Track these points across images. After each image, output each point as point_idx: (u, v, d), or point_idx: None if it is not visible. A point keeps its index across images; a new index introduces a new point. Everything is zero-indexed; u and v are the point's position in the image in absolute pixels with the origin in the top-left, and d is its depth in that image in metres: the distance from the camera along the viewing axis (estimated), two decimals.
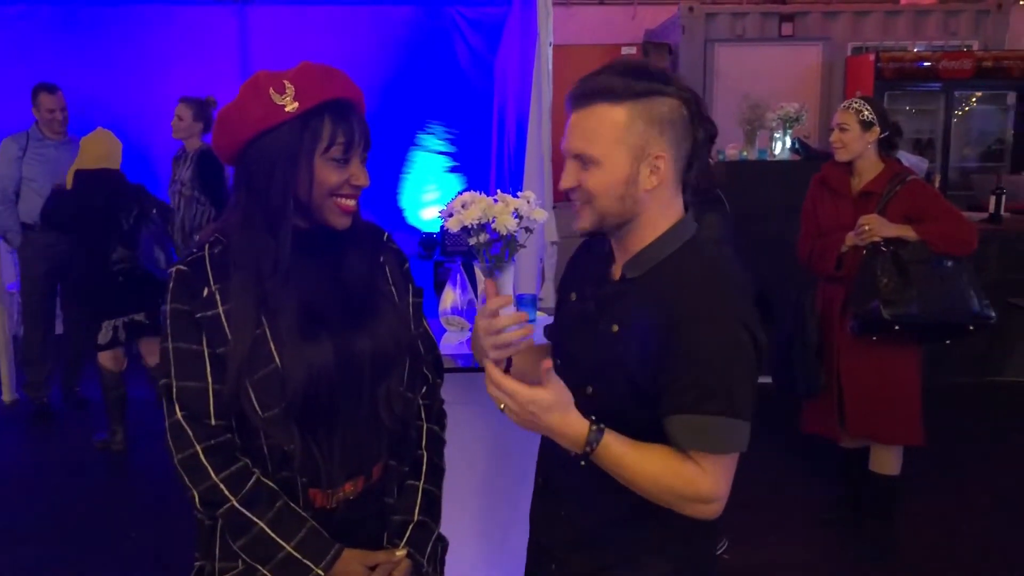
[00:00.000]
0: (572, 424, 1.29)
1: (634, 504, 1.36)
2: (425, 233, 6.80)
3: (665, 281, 1.34)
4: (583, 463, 1.30)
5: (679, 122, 1.34)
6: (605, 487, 1.36)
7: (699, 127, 1.36)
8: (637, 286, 1.37)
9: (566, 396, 1.29)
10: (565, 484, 1.47)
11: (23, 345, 4.99)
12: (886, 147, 3.22)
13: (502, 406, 1.30)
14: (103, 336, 4.21)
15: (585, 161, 1.34)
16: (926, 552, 3.39)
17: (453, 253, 6.60)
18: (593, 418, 1.30)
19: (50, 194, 4.42)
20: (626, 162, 1.32)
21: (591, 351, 1.39)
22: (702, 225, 1.44)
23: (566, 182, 1.38)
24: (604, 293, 1.42)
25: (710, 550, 1.51)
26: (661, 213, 1.38)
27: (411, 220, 6.86)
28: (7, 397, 5.12)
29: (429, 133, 6.72)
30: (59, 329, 5.08)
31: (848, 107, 3.22)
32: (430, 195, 6.89)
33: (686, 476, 1.29)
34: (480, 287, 2.30)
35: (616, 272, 1.43)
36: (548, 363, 1.28)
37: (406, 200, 6.87)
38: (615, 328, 1.36)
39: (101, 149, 4.18)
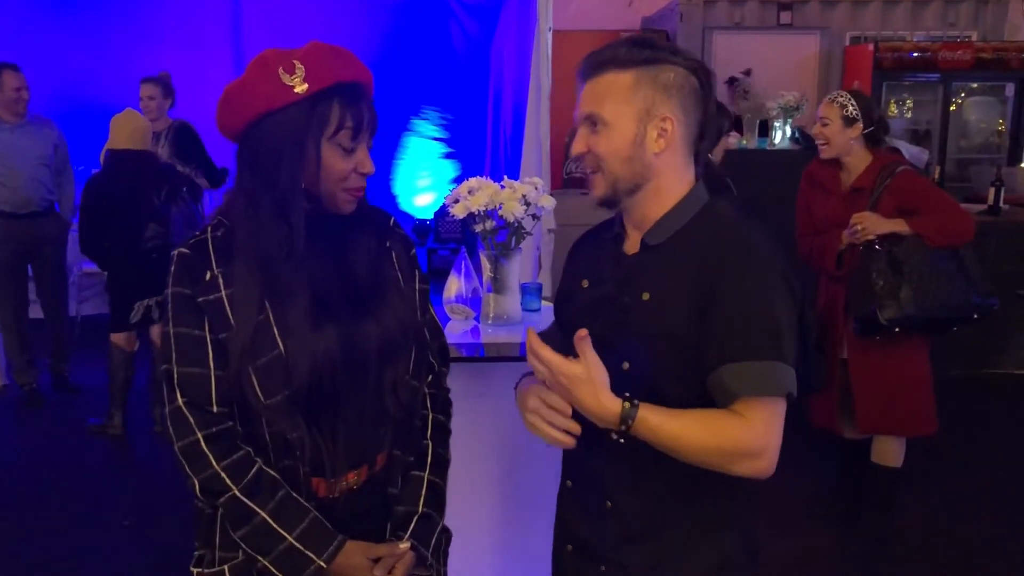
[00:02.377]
0: (605, 402, 1.28)
1: (686, 481, 1.35)
2: (418, 220, 6.77)
3: (692, 242, 1.36)
4: (622, 440, 1.29)
5: (688, 89, 1.37)
6: (654, 466, 1.35)
7: (711, 98, 1.40)
8: (662, 252, 1.38)
9: (600, 373, 1.28)
10: (608, 473, 1.43)
11: (2, 331, 4.93)
12: (872, 141, 3.17)
13: (540, 378, 1.32)
14: (135, 315, 4.18)
15: (594, 123, 1.38)
16: (925, 544, 3.38)
17: (447, 240, 6.58)
18: (627, 395, 1.28)
19: (86, 183, 4.33)
20: (632, 123, 1.36)
21: (623, 326, 1.37)
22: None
23: (577, 147, 1.41)
24: (623, 268, 1.42)
25: (758, 524, 1.47)
26: (674, 179, 1.40)
27: (404, 206, 6.82)
28: None
29: (423, 118, 6.68)
30: (35, 314, 5.00)
31: (833, 100, 3.17)
32: (423, 181, 6.85)
33: (730, 432, 1.27)
34: (486, 275, 2.27)
35: (631, 247, 1.44)
36: (583, 332, 1.28)
37: (399, 186, 6.83)
38: (646, 296, 1.36)
39: (130, 130, 4.13)
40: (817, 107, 3.28)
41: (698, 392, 1.31)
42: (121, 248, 4.16)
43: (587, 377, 1.27)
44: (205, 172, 4.81)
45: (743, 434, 1.27)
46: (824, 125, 3.15)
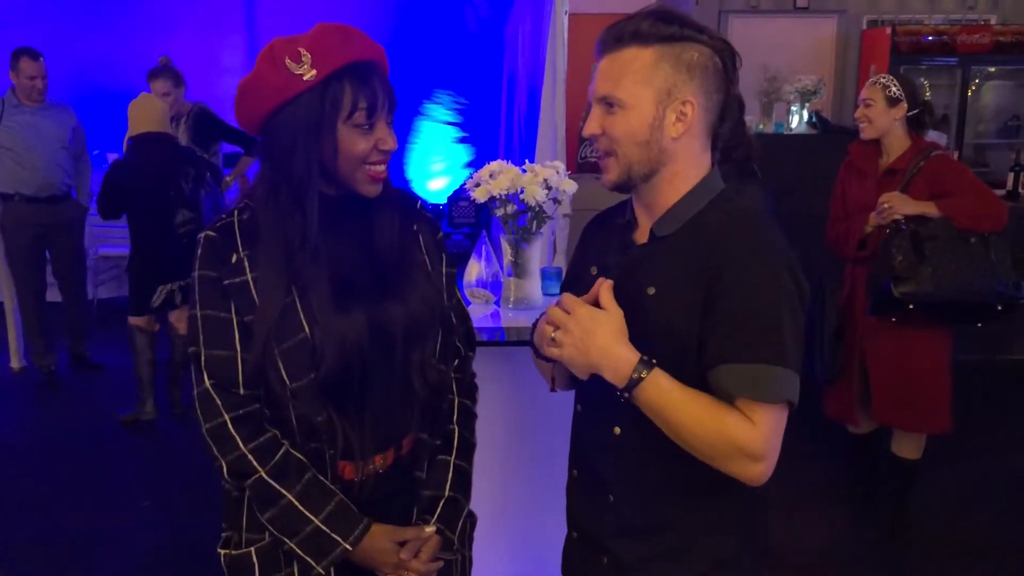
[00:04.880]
0: (623, 351, 1.25)
1: (688, 479, 1.31)
2: (432, 204, 6.76)
3: (700, 235, 1.30)
4: (625, 396, 1.24)
5: (711, 70, 1.30)
6: (655, 463, 1.33)
7: (734, 80, 1.33)
8: (669, 244, 1.33)
9: (623, 322, 1.27)
10: (609, 466, 1.40)
11: (20, 314, 4.96)
12: (915, 125, 3.13)
13: (552, 333, 1.29)
14: (157, 298, 4.15)
15: (610, 104, 1.31)
16: (940, 532, 3.38)
17: (460, 225, 6.57)
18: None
19: (111, 166, 4.29)
20: (651, 105, 1.29)
21: (627, 318, 1.31)
22: (743, 195, 1.38)
23: (590, 128, 1.34)
24: (630, 258, 1.37)
25: (767, 525, 1.43)
26: (690, 165, 1.34)
27: (418, 191, 6.82)
28: (15, 364, 5.10)
29: (436, 103, 6.66)
30: (52, 297, 5.02)
31: (875, 82, 3.14)
32: (437, 166, 6.84)
33: (733, 426, 1.21)
34: (506, 259, 2.27)
35: (641, 236, 1.38)
36: (608, 283, 1.27)
37: (413, 171, 6.83)
38: (651, 290, 1.30)
39: (145, 113, 4.10)
40: (858, 92, 3.25)
41: (700, 390, 1.26)
42: (148, 232, 4.14)
43: (614, 322, 1.27)
44: (243, 145, 4.83)
45: (745, 433, 1.21)
46: (867, 106, 3.13)
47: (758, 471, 1.23)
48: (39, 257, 4.84)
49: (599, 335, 1.25)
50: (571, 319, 1.27)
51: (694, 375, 1.26)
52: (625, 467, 1.37)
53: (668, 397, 1.23)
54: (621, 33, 1.30)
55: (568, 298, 1.30)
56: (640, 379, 1.23)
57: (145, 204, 4.09)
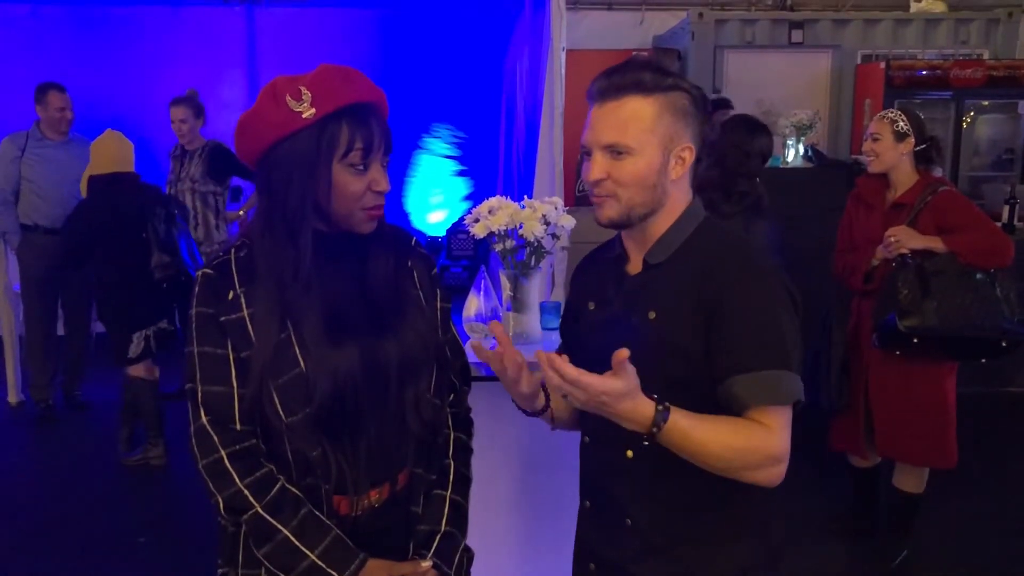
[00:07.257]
0: (639, 408, 1.27)
1: (706, 491, 1.37)
2: (430, 237, 6.79)
3: (694, 258, 1.39)
4: (646, 442, 1.28)
5: (694, 114, 1.41)
6: (672, 479, 1.38)
7: (705, 122, 1.45)
8: (664, 270, 1.41)
9: (636, 382, 1.27)
10: (625, 490, 1.44)
11: (25, 346, 4.96)
12: (923, 160, 3.15)
13: (563, 395, 1.28)
14: (135, 349, 4.02)
15: (618, 151, 1.37)
16: (941, 565, 3.35)
17: (459, 257, 6.60)
18: (655, 397, 1.28)
19: (76, 208, 4.23)
20: (658, 152, 1.37)
21: (633, 345, 1.34)
22: (752, 233, 1.46)
23: (595, 173, 1.40)
24: (628, 288, 1.44)
25: (781, 533, 1.50)
26: (680, 200, 1.44)
27: (417, 224, 6.86)
28: (12, 399, 5.08)
29: (435, 136, 6.72)
30: (61, 331, 5.02)
31: (883, 117, 3.16)
32: (436, 199, 6.89)
33: (756, 437, 1.29)
34: (505, 294, 2.28)
35: (634, 267, 1.46)
36: (624, 352, 1.26)
37: (412, 204, 6.87)
38: (652, 315, 1.37)
39: (112, 152, 4.03)
40: (866, 128, 3.26)
41: (710, 405, 1.32)
42: (120, 277, 4.02)
43: (626, 390, 1.25)
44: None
45: (767, 440, 1.29)
46: (875, 140, 3.14)
47: (779, 472, 1.32)
48: (52, 290, 4.84)
49: (612, 406, 1.25)
50: (583, 394, 1.24)
51: (704, 387, 1.33)
52: (641, 488, 1.42)
53: (690, 435, 1.27)
54: (623, 83, 1.37)
55: (571, 372, 1.23)
56: (659, 431, 1.26)
57: (118, 247, 3.98)
